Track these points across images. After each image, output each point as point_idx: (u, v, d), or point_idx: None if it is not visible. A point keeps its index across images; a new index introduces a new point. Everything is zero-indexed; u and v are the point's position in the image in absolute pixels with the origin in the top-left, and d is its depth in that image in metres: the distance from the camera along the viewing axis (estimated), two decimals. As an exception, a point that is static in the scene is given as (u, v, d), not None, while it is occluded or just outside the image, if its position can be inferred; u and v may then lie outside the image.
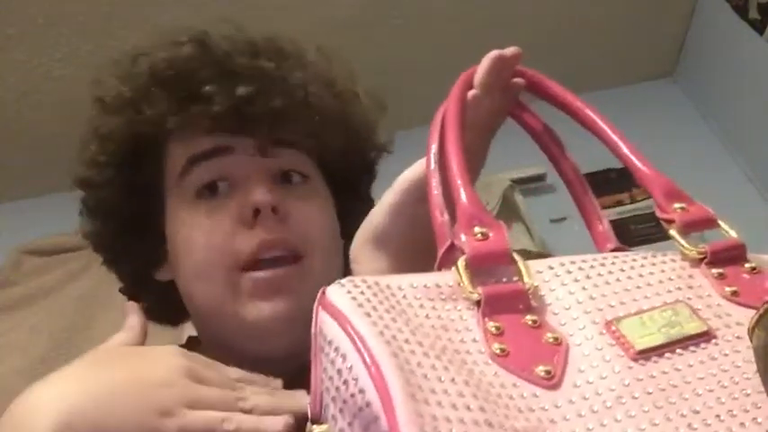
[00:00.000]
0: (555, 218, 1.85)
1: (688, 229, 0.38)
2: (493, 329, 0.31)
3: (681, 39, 2.14)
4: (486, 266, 0.33)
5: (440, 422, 0.26)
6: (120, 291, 0.75)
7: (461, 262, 0.33)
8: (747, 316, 0.33)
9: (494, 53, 0.48)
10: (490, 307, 0.32)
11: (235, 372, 0.55)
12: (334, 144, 0.70)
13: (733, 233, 0.38)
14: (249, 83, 0.64)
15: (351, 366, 0.28)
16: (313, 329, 0.31)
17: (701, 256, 0.37)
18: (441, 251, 0.35)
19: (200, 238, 0.64)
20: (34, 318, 1.81)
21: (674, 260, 0.37)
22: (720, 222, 0.38)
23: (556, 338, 0.32)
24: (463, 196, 0.36)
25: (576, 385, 0.30)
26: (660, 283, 0.35)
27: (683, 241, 0.37)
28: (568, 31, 1.99)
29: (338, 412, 0.29)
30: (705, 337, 0.32)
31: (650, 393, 0.29)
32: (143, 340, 0.58)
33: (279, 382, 0.55)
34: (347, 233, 0.71)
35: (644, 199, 1.89)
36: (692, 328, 0.33)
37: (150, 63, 0.67)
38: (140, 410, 0.49)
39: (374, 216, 0.53)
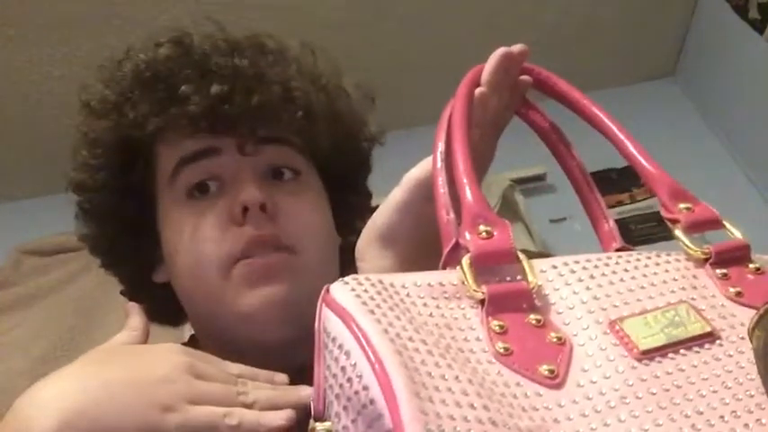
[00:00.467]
0: (555, 218, 1.85)
1: (693, 229, 0.38)
2: (496, 328, 0.31)
3: (681, 39, 2.14)
4: (490, 265, 0.34)
5: (444, 420, 0.26)
6: (120, 293, 0.75)
7: (466, 260, 0.33)
8: (751, 317, 0.32)
9: (501, 50, 0.48)
10: (494, 306, 0.32)
11: (237, 367, 0.55)
12: (322, 138, 0.70)
13: (738, 234, 0.38)
14: (224, 81, 0.65)
15: (355, 364, 0.28)
16: (316, 326, 0.31)
17: (706, 257, 0.37)
18: (446, 249, 0.35)
19: (191, 237, 0.64)
20: (34, 318, 1.80)
21: (678, 260, 0.37)
22: (725, 223, 0.38)
23: (559, 338, 0.32)
24: (469, 195, 0.36)
25: (580, 385, 0.30)
26: (664, 283, 0.35)
27: (687, 241, 0.37)
28: (568, 31, 1.99)
29: (342, 409, 0.29)
30: (709, 337, 0.32)
31: (654, 394, 0.29)
32: (145, 340, 0.58)
33: (284, 377, 0.55)
34: (344, 227, 0.72)
35: (644, 199, 1.89)
36: (696, 328, 0.33)
37: (132, 65, 0.68)
38: (141, 407, 0.48)
39: (380, 214, 0.53)
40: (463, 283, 0.33)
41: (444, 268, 0.35)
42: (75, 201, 0.72)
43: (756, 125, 1.91)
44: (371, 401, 0.27)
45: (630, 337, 0.32)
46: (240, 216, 0.63)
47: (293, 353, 0.57)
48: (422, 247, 0.49)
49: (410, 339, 0.29)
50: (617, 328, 0.32)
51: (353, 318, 0.29)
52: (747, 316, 0.33)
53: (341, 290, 0.31)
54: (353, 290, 0.31)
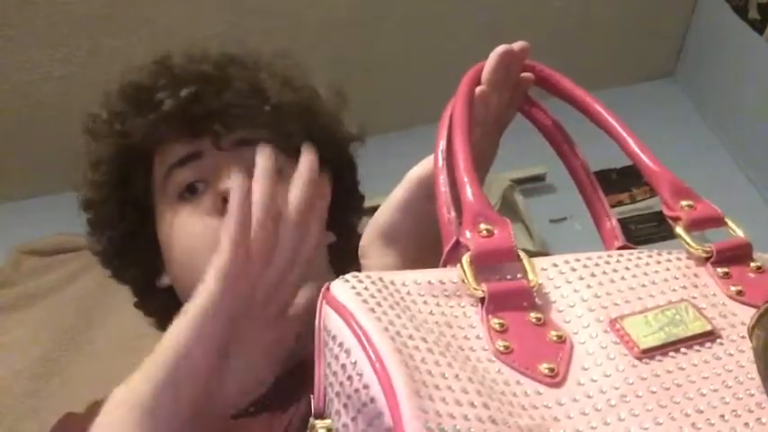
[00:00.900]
0: (555, 218, 1.85)
1: (694, 226, 0.38)
2: (496, 326, 0.31)
3: (681, 39, 2.14)
4: (490, 263, 0.34)
5: (443, 418, 0.26)
6: (134, 305, 0.80)
7: (466, 258, 0.33)
8: (751, 314, 0.32)
9: (501, 48, 0.48)
10: (494, 304, 0.32)
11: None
12: (296, 134, 0.71)
13: (740, 232, 0.38)
14: (193, 84, 0.70)
15: (355, 362, 0.28)
16: (317, 324, 0.31)
17: (707, 255, 0.37)
18: (446, 248, 0.35)
19: (181, 233, 0.69)
20: (34, 318, 1.80)
21: (679, 258, 0.37)
22: (728, 221, 0.38)
23: (560, 336, 0.32)
24: (469, 194, 0.36)
25: (580, 383, 0.30)
26: (665, 281, 0.35)
27: (688, 239, 0.37)
28: (568, 31, 1.99)
29: (342, 407, 0.29)
30: (710, 336, 0.32)
31: (654, 392, 0.29)
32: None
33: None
34: (334, 224, 0.73)
35: (644, 199, 1.89)
36: (697, 327, 0.33)
37: (120, 86, 0.74)
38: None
39: (382, 213, 0.54)
40: (463, 281, 0.33)
41: (445, 266, 0.35)
42: (86, 218, 0.78)
43: (756, 125, 1.91)
44: (372, 400, 0.27)
45: (631, 335, 0.32)
46: (221, 205, 0.65)
47: (294, 346, 0.58)
48: (424, 245, 0.50)
49: (410, 338, 0.29)
50: (617, 326, 0.32)
51: (354, 316, 0.29)
52: (748, 315, 0.33)
53: (341, 288, 0.31)
54: (354, 287, 0.31)
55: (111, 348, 1.64)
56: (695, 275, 0.36)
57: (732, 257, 0.37)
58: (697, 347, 0.32)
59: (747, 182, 1.95)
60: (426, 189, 0.48)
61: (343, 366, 0.29)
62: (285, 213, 0.62)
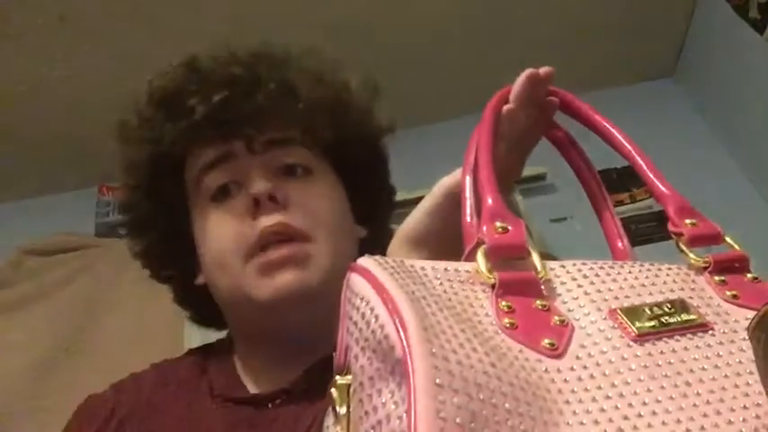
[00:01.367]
0: (555, 218, 1.85)
1: (695, 242, 0.40)
2: (504, 308, 0.34)
3: (681, 39, 2.15)
4: (503, 256, 0.37)
5: (447, 352, 0.28)
6: (173, 301, 0.82)
7: (481, 250, 0.36)
8: (745, 315, 0.36)
9: (528, 71, 0.51)
10: (503, 289, 0.35)
11: None
12: (328, 129, 0.73)
13: (737, 248, 0.40)
14: (224, 89, 0.70)
15: (372, 307, 0.31)
16: (342, 295, 0.34)
17: (705, 265, 0.39)
18: (467, 249, 0.38)
19: (214, 236, 0.70)
20: (34, 318, 1.81)
21: (679, 268, 0.40)
22: (727, 238, 0.41)
23: (562, 321, 0.34)
24: (489, 200, 0.40)
25: (578, 357, 0.32)
26: (664, 284, 0.38)
27: (688, 252, 0.40)
28: (568, 31, 2.00)
29: (360, 350, 0.31)
30: (702, 327, 0.35)
31: (647, 367, 0.32)
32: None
33: None
34: (365, 218, 0.77)
35: (644, 199, 1.89)
36: (691, 319, 0.35)
37: (148, 93, 0.75)
38: None
39: (412, 218, 0.56)
40: (477, 271, 0.36)
41: None
42: (122, 221, 0.80)
43: (756, 125, 1.91)
44: (386, 336, 0.29)
45: (628, 322, 0.34)
46: (253, 208, 0.67)
47: (318, 340, 0.60)
48: (449, 250, 0.51)
49: (423, 298, 0.32)
50: (616, 315, 0.35)
51: (374, 274, 0.33)
52: (742, 314, 0.36)
53: (365, 260, 0.34)
54: (376, 260, 0.34)
55: (112, 348, 1.64)
56: (693, 281, 0.39)
57: (729, 268, 0.39)
58: (689, 335, 0.34)
59: (747, 182, 1.96)
60: (455, 198, 0.50)
61: (363, 314, 0.31)
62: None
